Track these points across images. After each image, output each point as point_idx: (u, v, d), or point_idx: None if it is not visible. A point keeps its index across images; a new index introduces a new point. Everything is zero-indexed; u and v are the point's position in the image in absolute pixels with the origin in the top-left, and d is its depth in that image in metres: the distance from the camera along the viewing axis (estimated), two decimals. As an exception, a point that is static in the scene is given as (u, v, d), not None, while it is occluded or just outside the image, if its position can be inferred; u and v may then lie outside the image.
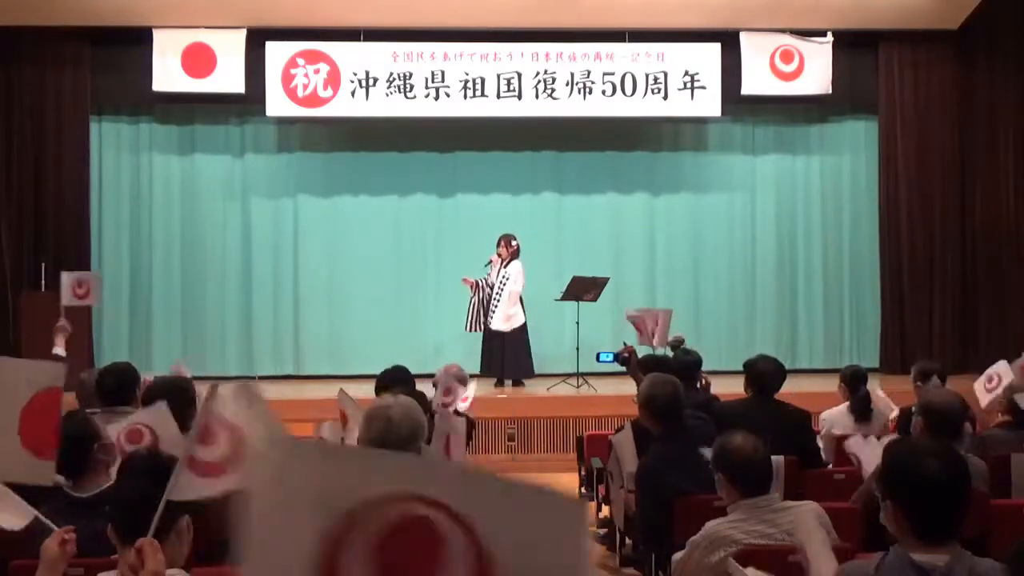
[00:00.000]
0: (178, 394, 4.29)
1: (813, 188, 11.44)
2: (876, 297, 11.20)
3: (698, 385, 6.05)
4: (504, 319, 9.75)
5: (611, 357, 6.50)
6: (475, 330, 9.86)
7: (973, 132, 10.99)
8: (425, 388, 5.59)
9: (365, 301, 10.99)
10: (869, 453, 4.36)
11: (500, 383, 9.81)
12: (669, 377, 4.81)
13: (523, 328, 9.87)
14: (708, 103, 10.63)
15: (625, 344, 6.52)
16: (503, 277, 9.79)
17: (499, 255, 9.85)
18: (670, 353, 6.93)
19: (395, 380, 5.11)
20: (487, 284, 9.82)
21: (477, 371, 9.62)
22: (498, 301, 9.75)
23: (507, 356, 9.82)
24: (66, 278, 7.08)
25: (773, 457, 3.57)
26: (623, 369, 6.42)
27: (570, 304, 9.74)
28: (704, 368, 6.30)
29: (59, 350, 5.87)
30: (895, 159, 11.01)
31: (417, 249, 11.14)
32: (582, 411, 8.87)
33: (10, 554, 3.19)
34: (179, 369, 6.31)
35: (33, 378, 2.35)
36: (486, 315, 9.77)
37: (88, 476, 3.33)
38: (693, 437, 4.54)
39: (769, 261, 11.36)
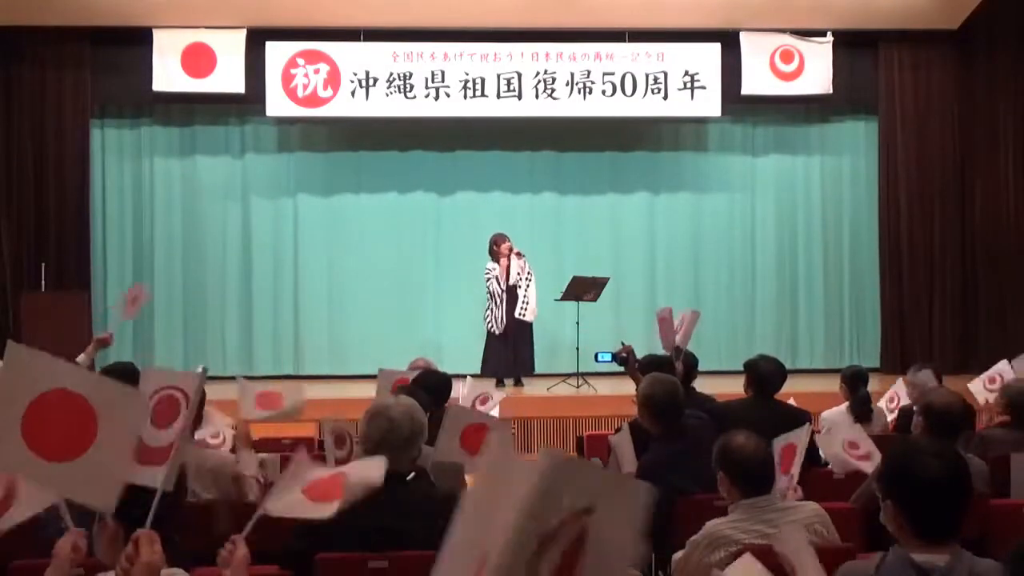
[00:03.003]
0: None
1: (813, 188, 11.44)
2: (876, 297, 11.20)
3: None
4: (532, 311, 9.76)
5: (609, 357, 6.50)
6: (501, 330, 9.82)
7: (973, 132, 10.99)
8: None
9: (365, 301, 10.99)
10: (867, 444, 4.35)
11: (500, 383, 9.79)
12: (668, 377, 4.81)
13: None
14: (708, 103, 10.63)
15: (623, 343, 6.52)
16: (528, 272, 9.77)
17: (501, 253, 9.77)
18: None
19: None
20: (503, 286, 9.75)
21: (475, 372, 9.65)
22: (527, 294, 9.73)
23: (521, 352, 9.79)
24: (122, 297, 6.70)
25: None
26: (622, 369, 6.43)
27: (570, 304, 9.74)
28: (704, 368, 6.29)
29: (83, 359, 5.73)
30: (895, 159, 11.01)
31: (417, 249, 11.14)
32: (582, 411, 8.87)
33: (11, 553, 3.19)
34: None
35: (47, 374, 2.32)
36: (513, 312, 9.71)
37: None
38: (692, 437, 4.55)
39: (769, 261, 11.36)
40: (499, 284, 9.74)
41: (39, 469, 2.31)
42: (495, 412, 6.06)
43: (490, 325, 9.80)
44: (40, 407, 2.29)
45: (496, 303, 9.76)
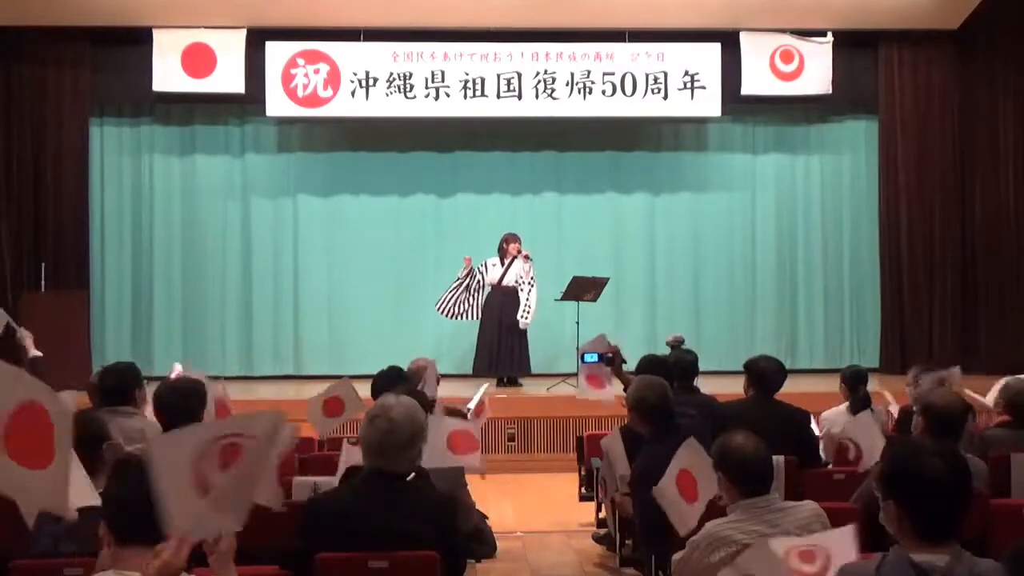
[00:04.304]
0: (192, 395, 4.30)
1: (813, 188, 11.44)
2: (876, 297, 11.20)
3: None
4: (531, 317, 9.77)
5: (596, 357, 6.49)
6: (475, 317, 9.85)
7: (973, 132, 10.99)
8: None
9: (365, 301, 10.99)
10: (868, 440, 4.35)
11: (501, 383, 9.80)
12: (656, 378, 4.80)
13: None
14: (708, 103, 10.62)
15: (609, 343, 6.52)
16: (531, 277, 9.78)
17: (509, 252, 9.81)
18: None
19: (394, 381, 5.12)
20: (481, 279, 9.81)
21: (468, 371, 9.70)
22: (529, 299, 9.74)
23: (519, 352, 9.81)
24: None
25: (773, 457, 3.56)
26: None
27: (570, 304, 9.74)
28: (704, 368, 6.27)
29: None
30: (895, 159, 11.01)
31: (417, 249, 11.14)
32: (582, 411, 8.86)
33: (11, 553, 3.19)
34: (186, 371, 6.21)
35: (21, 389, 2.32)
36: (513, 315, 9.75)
37: (95, 476, 3.32)
38: (685, 436, 4.53)
39: (769, 261, 11.36)
40: (473, 289, 9.80)
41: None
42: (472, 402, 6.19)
43: (451, 312, 9.86)
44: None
45: (462, 293, 9.82)
